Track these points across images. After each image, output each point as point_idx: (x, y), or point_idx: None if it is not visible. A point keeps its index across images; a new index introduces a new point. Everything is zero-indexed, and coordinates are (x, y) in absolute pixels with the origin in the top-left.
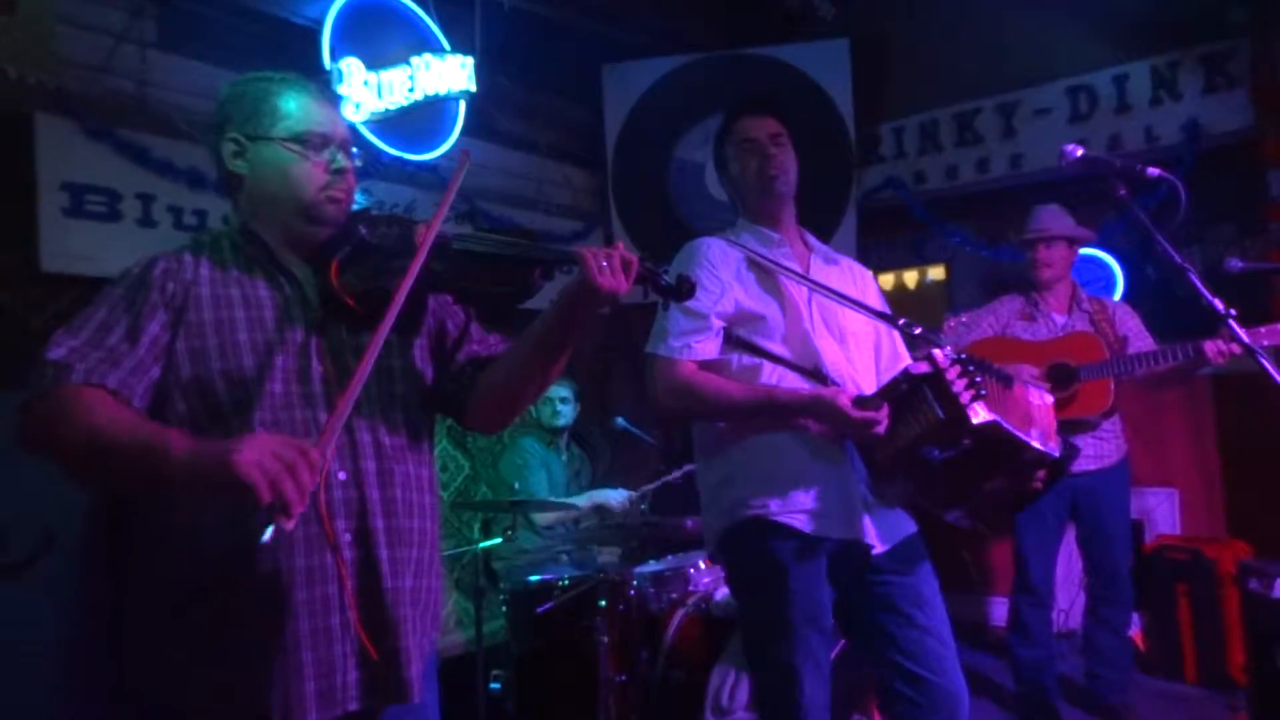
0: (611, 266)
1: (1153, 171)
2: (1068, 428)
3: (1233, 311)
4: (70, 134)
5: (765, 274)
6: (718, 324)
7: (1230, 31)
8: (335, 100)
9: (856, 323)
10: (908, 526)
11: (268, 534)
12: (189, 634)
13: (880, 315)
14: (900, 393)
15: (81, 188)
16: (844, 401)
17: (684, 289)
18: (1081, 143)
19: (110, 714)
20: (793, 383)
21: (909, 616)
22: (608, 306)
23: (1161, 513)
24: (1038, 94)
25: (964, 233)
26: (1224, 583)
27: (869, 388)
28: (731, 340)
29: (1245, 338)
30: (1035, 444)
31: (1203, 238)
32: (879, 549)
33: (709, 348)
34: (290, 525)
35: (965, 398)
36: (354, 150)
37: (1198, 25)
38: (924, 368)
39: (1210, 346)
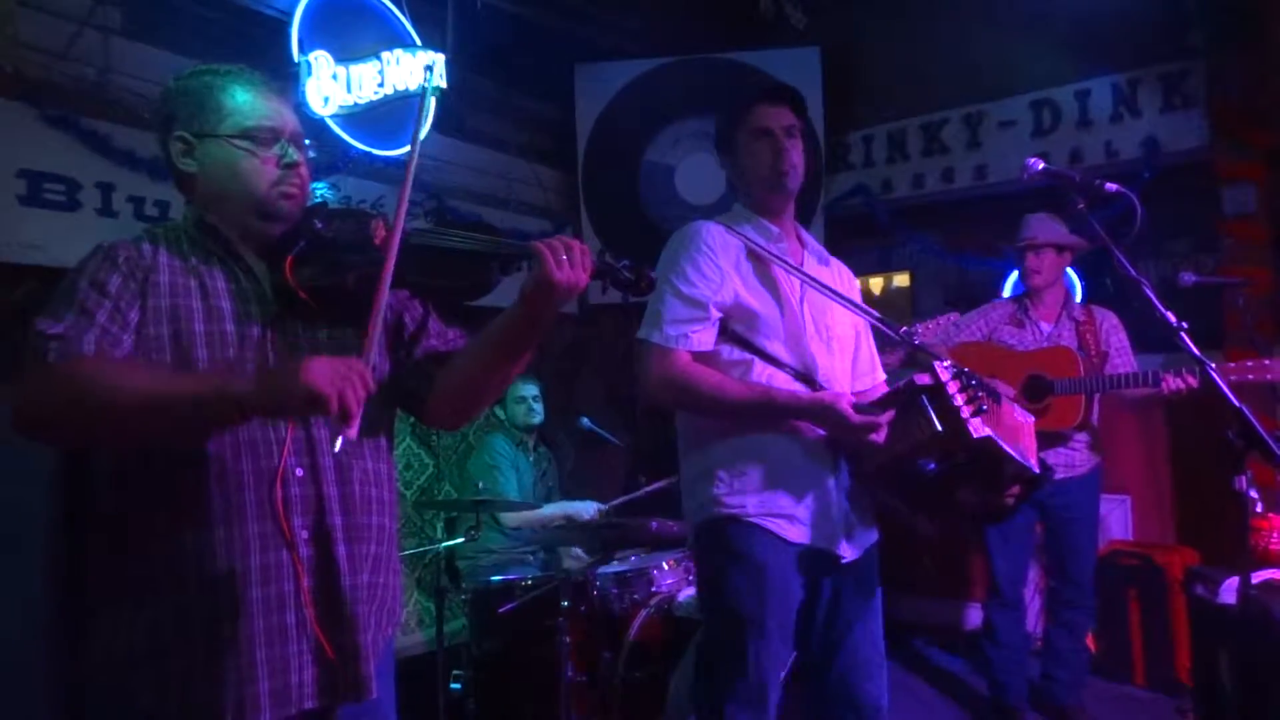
0: (570, 259)
1: (1110, 186)
2: (1040, 440)
3: (1184, 324)
4: (28, 120)
5: (764, 267)
6: (716, 314)
7: (1188, 52)
8: (283, 92)
9: (842, 326)
10: (872, 535)
11: (338, 444)
12: (144, 632)
13: (880, 320)
14: (901, 402)
15: (39, 175)
16: (845, 406)
17: (643, 283)
18: (1044, 156)
19: (67, 713)
20: (783, 383)
21: (852, 624)
22: (567, 300)
23: (1115, 519)
24: (1003, 107)
25: (929, 241)
26: (1173, 588)
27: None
28: (726, 333)
29: (1194, 350)
30: (1018, 459)
31: (1159, 252)
32: (849, 559)
33: (706, 338)
34: (353, 434)
35: (966, 412)
36: (306, 142)
37: (1158, 45)
38: (926, 379)
39: (1166, 381)
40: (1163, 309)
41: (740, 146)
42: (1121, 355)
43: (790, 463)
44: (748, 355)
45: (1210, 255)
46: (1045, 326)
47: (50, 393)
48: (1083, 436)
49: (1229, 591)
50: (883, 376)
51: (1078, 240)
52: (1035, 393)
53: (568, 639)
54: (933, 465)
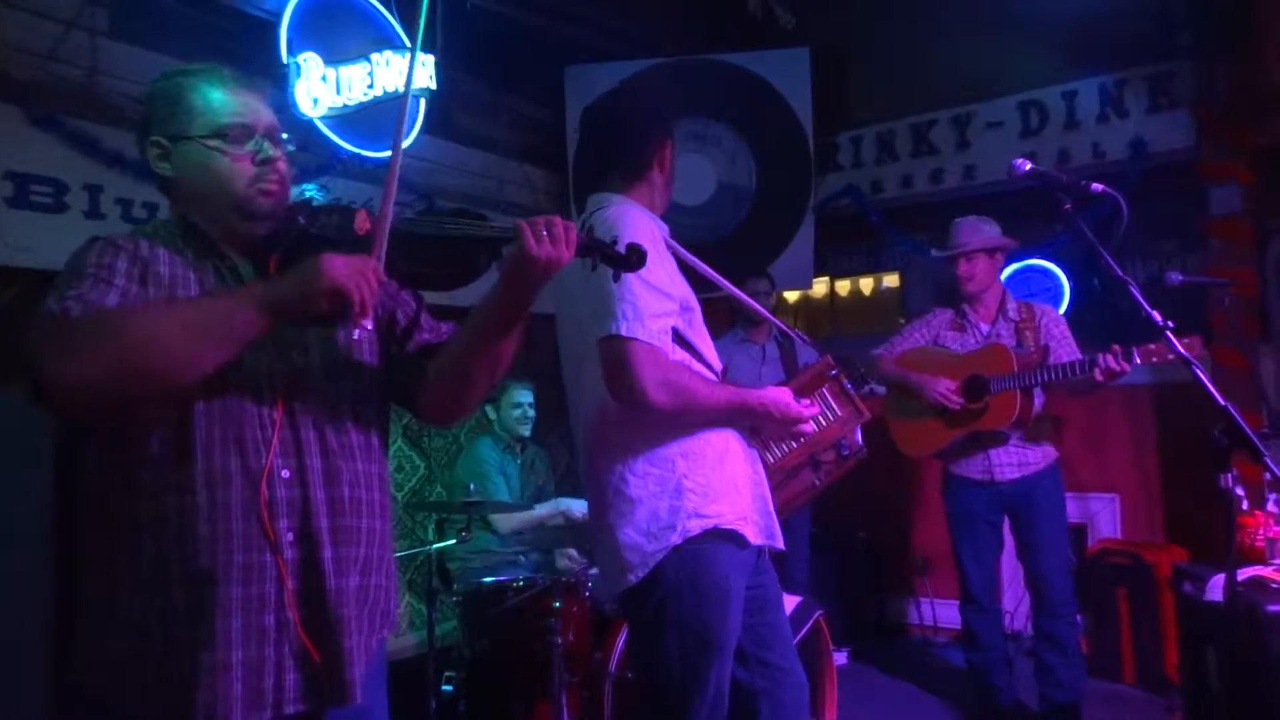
0: (551, 235)
1: (1096, 187)
2: (986, 440)
3: (1170, 323)
4: (15, 121)
5: (674, 258)
6: (677, 308)
7: (1175, 54)
8: (257, 87)
9: None
10: None
11: (356, 333)
12: (129, 631)
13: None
14: (814, 389)
15: (26, 177)
16: (791, 398)
17: (634, 258)
18: (1031, 156)
19: (56, 709)
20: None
21: (766, 610)
22: (547, 277)
23: (1104, 517)
24: (991, 108)
25: (918, 241)
26: (1161, 586)
27: None
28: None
29: (1180, 349)
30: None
31: (1145, 252)
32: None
33: (670, 336)
34: (369, 325)
35: (858, 394)
36: (284, 136)
37: (1145, 47)
38: (833, 368)
39: (1100, 366)
40: (1149, 308)
41: (675, 155)
42: (1064, 345)
43: (740, 462)
44: (687, 355)
45: (1197, 255)
46: (984, 327)
47: (80, 339)
48: (1025, 434)
49: (1216, 589)
50: None
51: (1008, 241)
52: (974, 393)
53: (559, 640)
54: (846, 449)
